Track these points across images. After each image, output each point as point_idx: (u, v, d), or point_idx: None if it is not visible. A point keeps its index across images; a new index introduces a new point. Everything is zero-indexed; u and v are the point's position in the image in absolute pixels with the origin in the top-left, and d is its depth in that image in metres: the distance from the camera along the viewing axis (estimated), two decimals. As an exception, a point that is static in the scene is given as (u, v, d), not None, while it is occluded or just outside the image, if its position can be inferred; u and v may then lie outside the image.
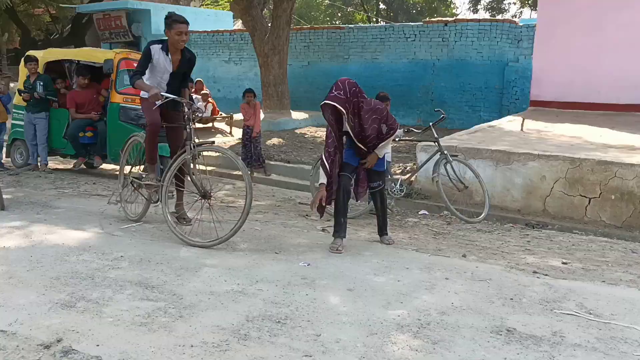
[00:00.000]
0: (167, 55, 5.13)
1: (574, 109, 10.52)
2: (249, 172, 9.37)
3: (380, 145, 4.81)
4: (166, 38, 5.09)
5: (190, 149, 4.82)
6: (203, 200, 4.83)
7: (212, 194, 4.92)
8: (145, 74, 5.14)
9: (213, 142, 5.22)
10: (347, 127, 4.74)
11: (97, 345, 2.72)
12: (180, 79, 5.31)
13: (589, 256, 4.88)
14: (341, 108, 4.58)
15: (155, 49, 5.10)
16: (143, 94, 5.18)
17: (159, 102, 4.99)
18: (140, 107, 5.90)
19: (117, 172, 5.89)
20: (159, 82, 5.16)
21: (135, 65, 5.54)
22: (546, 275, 4.15)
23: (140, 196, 5.48)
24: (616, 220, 5.82)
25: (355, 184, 5.00)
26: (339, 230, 4.77)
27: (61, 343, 2.74)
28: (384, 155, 5.02)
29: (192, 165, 4.87)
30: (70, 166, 8.99)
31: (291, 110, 14.14)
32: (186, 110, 4.95)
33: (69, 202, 6.24)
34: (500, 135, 7.99)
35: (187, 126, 4.91)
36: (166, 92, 5.04)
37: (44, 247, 4.36)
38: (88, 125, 8.33)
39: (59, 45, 16.11)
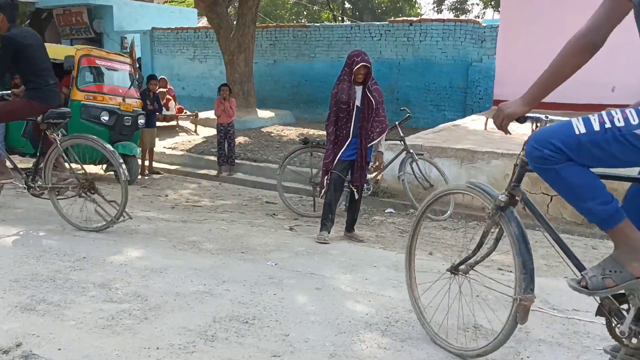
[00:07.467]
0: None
1: (535, 108, 10.74)
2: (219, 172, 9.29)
3: (375, 140, 5.03)
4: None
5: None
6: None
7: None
8: None
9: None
10: (358, 101, 4.93)
11: (59, 350, 2.64)
12: None
13: (552, 252, 4.96)
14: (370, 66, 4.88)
15: None
16: None
17: None
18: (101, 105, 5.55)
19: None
20: None
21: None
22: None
23: None
24: (577, 217, 5.95)
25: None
26: (327, 224, 5.02)
27: (21, 348, 2.65)
28: (371, 148, 5.16)
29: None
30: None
31: (257, 109, 14.05)
32: None
33: (28, 202, 6.06)
34: (464, 134, 8.10)
35: None
36: None
37: (2, 249, 4.22)
38: (48, 123, 8.12)
39: (17, 41, 15.61)
